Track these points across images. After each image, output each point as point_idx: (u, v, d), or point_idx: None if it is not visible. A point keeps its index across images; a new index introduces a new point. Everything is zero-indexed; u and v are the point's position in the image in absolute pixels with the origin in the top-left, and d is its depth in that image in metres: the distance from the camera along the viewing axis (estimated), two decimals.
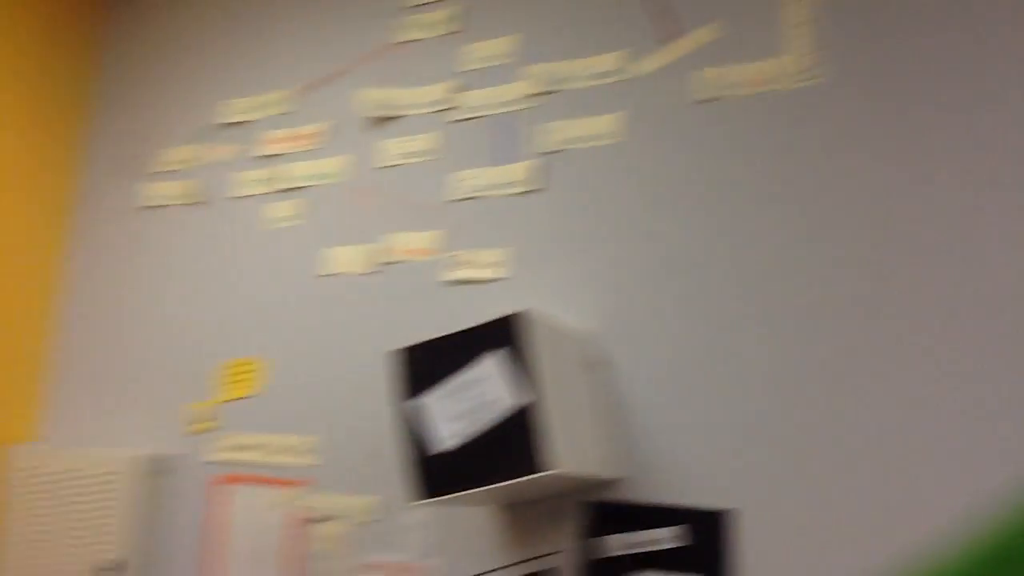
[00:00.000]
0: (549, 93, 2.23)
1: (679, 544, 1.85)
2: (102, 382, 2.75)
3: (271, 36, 2.72)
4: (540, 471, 1.66)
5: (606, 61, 2.18)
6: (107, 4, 3.13)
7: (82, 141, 3.03)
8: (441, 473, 1.78)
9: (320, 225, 2.47)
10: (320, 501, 2.28)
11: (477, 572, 2.05)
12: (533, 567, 1.98)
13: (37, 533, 2.58)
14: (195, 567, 2.43)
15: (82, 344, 2.83)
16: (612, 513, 1.93)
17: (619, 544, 1.91)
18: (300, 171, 2.54)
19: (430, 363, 1.82)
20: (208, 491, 2.46)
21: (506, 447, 1.70)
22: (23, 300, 2.82)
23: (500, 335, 1.75)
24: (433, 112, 2.37)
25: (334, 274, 2.41)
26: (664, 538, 1.87)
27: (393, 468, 2.17)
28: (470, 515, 2.08)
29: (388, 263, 2.34)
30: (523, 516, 2.02)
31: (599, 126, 2.16)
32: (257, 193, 2.60)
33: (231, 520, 2.40)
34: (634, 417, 1.97)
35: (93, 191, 2.96)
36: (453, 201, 2.28)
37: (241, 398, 2.47)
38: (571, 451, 1.74)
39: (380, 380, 2.24)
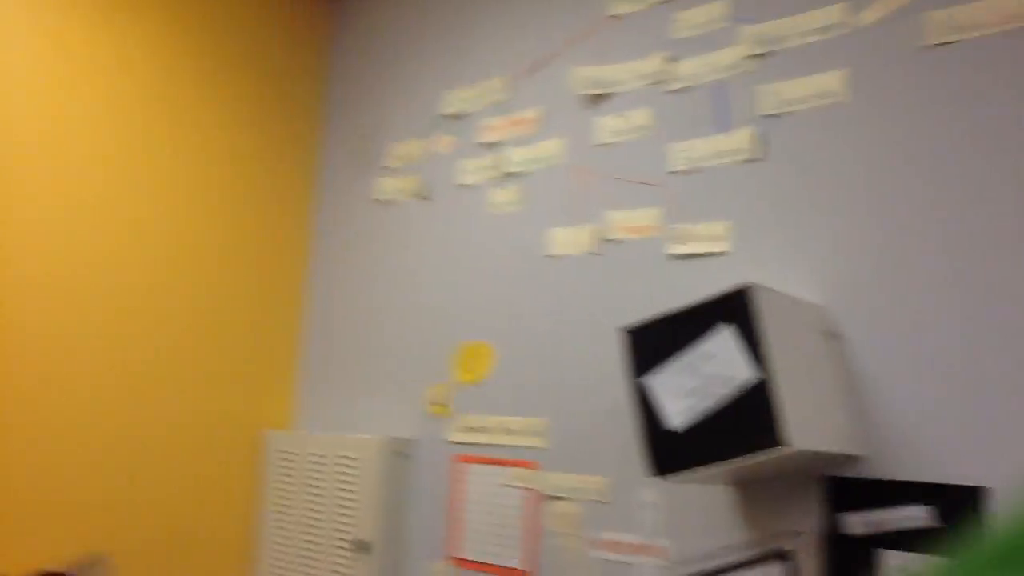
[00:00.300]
0: (766, 55, 2.14)
1: (928, 524, 1.74)
2: (347, 370, 2.92)
3: (484, 26, 2.78)
4: (776, 447, 1.61)
5: (825, 15, 2.07)
6: (333, 10, 3.30)
7: (319, 141, 3.22)
8: (673, 451, 1.76)
9: (542, 208, 2.51)
10: (552, 480, 2.32)
11: (711, 551, 2.02)
12: (770, 546, 1.93)
13: (293, 512, 2.79)
14: (436, 542, 2.54)
15: (328, 335, 3.02)
16: (853, 490, 1.84)
17: (861, 523, 1.82)
18: (520, 156, 2.58)
19: (659, 340, 1.81)
20: (446, 471, 2.56)
21: (740, 423, 1.66)
22: (276, 296, 3.04)
23: (729, 309, 1.71)
24: (648, 85, 2.34)
25: (558, 255, 2.43)
26: (911, 517, 1.76)
27: (623, 447, 2.18)
28: (703, 493, 2.05)
29: (611, 241, 2.33)
30: (759, 494, 1.97)
31: (821, 85, 2.05)
32: (481, 181, 2.67)
33: (469, 499, 2.49)
34: (873, 390, 1.86)
35: (331, 188, 3.15)
36: (673, 174, 2.25)
37: (475, 381, 2.55)
38: (808, 426, 1.67)
39: (608, 359, 2.25)
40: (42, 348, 2.46)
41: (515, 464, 2.41)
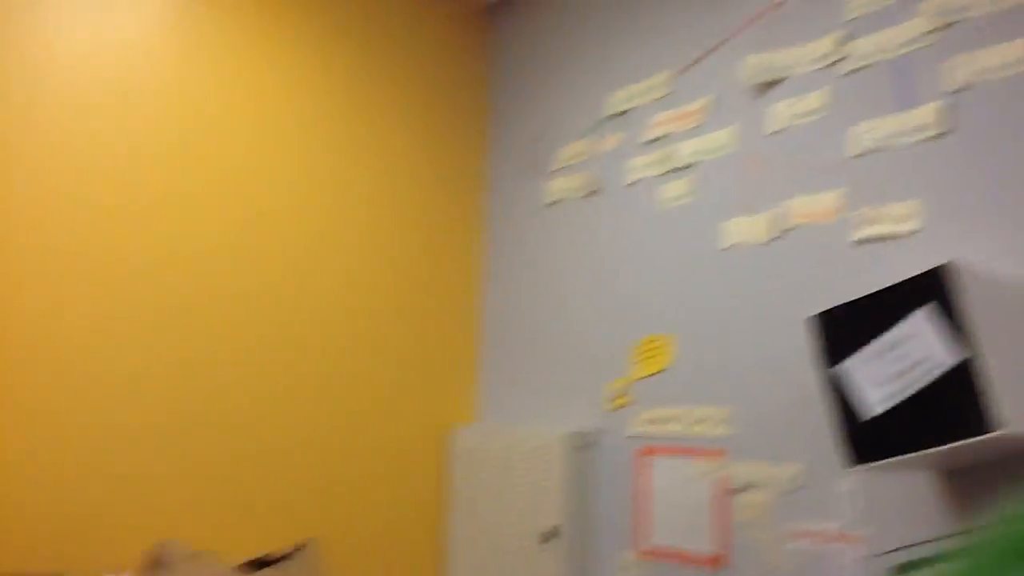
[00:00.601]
0: (949, 25, 2.05)
1: None
2: (526, 367, 2.97)
3: (645, 22, 2.78)
4: (985, 432, 1.54)
5: None
6: (491, 18, 3.37)
7: (488, 147, 3.30)
8: (873, 438, 1.71)
9: (715, 199, 2.48)
10: (740, 470, 2.30)
11: (914, 542, 1.94)
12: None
13: (481, 504, 2.86)
14: (624, 533, 2.55)
15: (507, 332, 3.08)
16: None
17: None
18: (689, 148, 2.57)
19: (851, 326, 1.76)
20: (631, 462, 2.57)
21: (945, 408, 1.60)
22: (454, 297, 3.15)
23: (926, 290, 1.65)
24: (822, 68, 2.28)
25: (735, 245, 2.40)
26: None
27: (815, 435, 2.12)
28: (904, 481, 1.98)
29: (790, 228, 2.29)
30: (965, 481, 1.89)
31: (1013, 52, 1.95)
32: (650, 176, 2.66)
33: (654, 489, 2.48)
34: None
35: (502, 191, 3.21)
36: (854, 156, 2.18)
37: (654, 373, 2.55)
38: (1020, 408, 1.60)
39: (793, 347, 2.20)
40: (260, 358, 2.68)
41: (701, 454, 2.39)
